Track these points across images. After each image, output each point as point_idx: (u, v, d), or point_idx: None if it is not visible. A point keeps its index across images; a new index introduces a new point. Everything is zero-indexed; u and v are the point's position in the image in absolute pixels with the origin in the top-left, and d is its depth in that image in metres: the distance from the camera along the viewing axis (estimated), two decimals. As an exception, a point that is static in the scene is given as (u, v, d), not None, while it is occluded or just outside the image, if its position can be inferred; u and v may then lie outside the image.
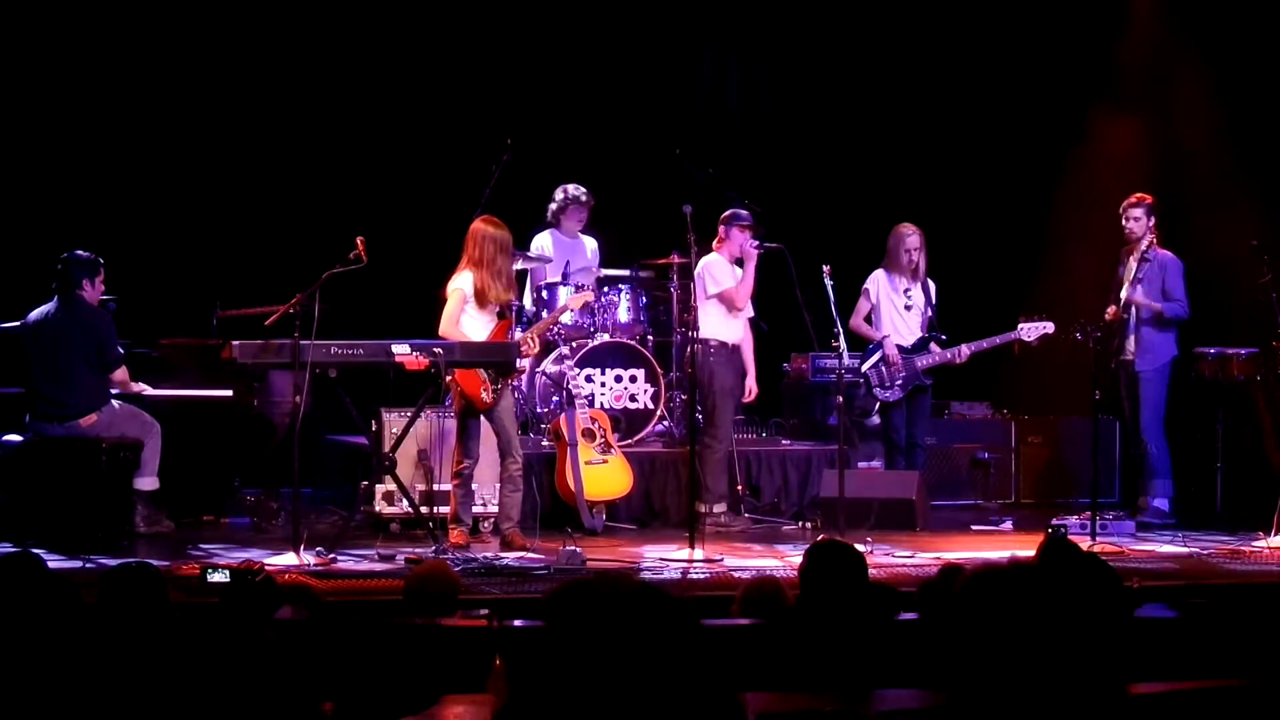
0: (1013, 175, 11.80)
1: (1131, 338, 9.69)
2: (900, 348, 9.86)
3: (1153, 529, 9.31)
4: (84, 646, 3.59)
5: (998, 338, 9.79)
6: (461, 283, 8.49)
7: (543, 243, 10.29)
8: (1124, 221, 9.71)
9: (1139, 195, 9.71)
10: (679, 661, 1.97)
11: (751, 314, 9.64)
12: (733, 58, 12.56)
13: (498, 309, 8.60)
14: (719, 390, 9.39)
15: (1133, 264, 9.62)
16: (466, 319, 8.48)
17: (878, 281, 9.96)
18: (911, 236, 9.88)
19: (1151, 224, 9.63)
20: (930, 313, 9.95)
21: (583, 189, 10.31)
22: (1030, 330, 9.66)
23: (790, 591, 4.94)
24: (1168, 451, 9.73)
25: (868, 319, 9.96)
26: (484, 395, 8.42)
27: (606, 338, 10.05)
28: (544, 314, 9.79)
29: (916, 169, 11.85)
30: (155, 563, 6.57)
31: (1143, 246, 9.61)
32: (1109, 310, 9.65)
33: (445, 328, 8.45)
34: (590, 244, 10.51)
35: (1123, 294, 9.65)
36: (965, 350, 9.84)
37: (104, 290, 8.87)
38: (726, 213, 9.53)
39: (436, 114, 11.46)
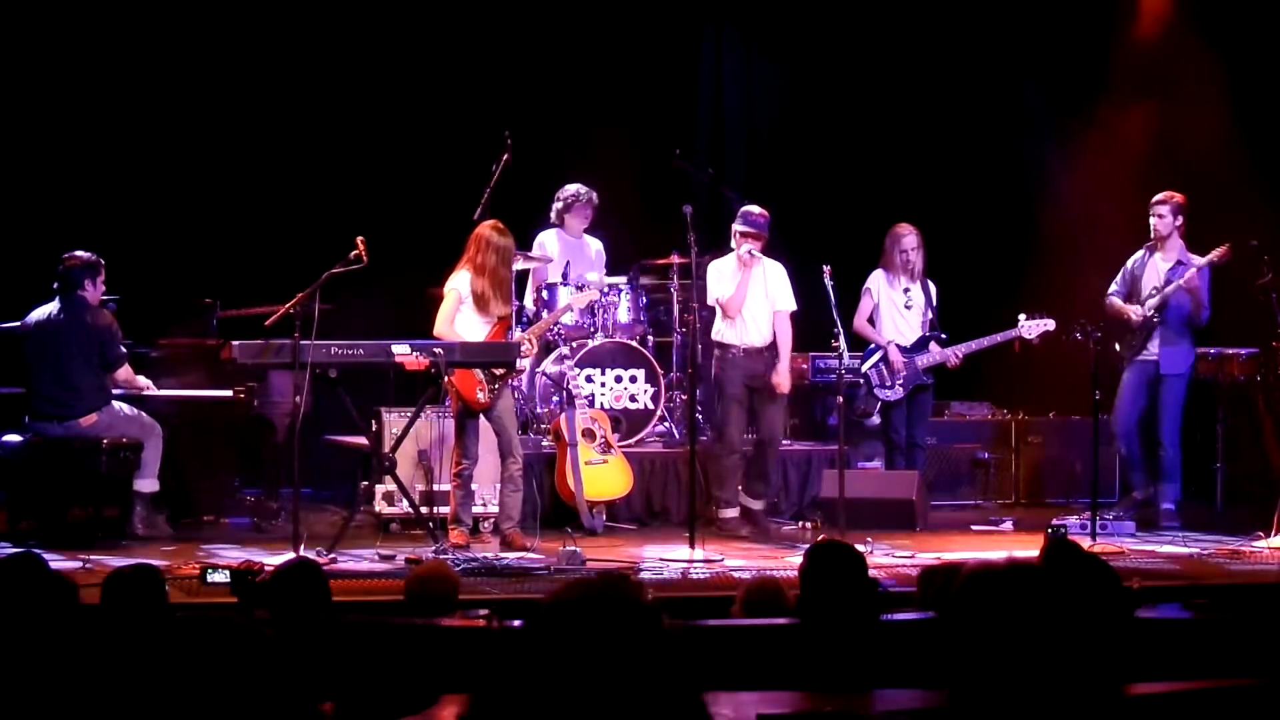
0: (1012, 172, 11.79)
1: (1156, 339, 9.44)
2: (900, 348, 9.85)
3: (1161, 530, 9.24)
4: (84, 646, 3.59)
5: (998, 335, 9.76)
6: (458, 283, 8.49)
7: (547, 241, 10.28)
8: (1151, 218, 9.46)
9: (1168, 193, 9.47)
10: (641, 664, 1.98)
11: (792, 307, 9.24)
12: (731, 57, 12.55)
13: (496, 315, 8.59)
14: (719, 395, 9.28)
15: (1161, 263, 9.47)
16: (462, 319, 8.48)
17: (878, 281, 9.95)
18: (907, 237, 9.86)
19: (1179, 224, 9.43)
20: (931, 313, 9.93)
21: (587, 188, 10.30)
22: (1032, 328, 9.62)
23: (790, 592, 4.94)
24: (1180, 455, 9.65)
25: (870, 319, 9.94)
26: (480, 396, 8.41)
27: (605, 338, 10.05)
28: (544, 314, 9.78)
29: (916, 167, 11.84)
30: (155, 563, 6.59)
31: (1174, 250, 9.43)
32: (1133, 309, 9.39)
33: (440, 327, 8.45)
34: (595, 244, 10.49)
35: (1152, 293, 9.39)
36: (960, 351, 9.81)
37: (104, 290, 8.88)
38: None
39: (436, 114, 11.46)
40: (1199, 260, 9.34)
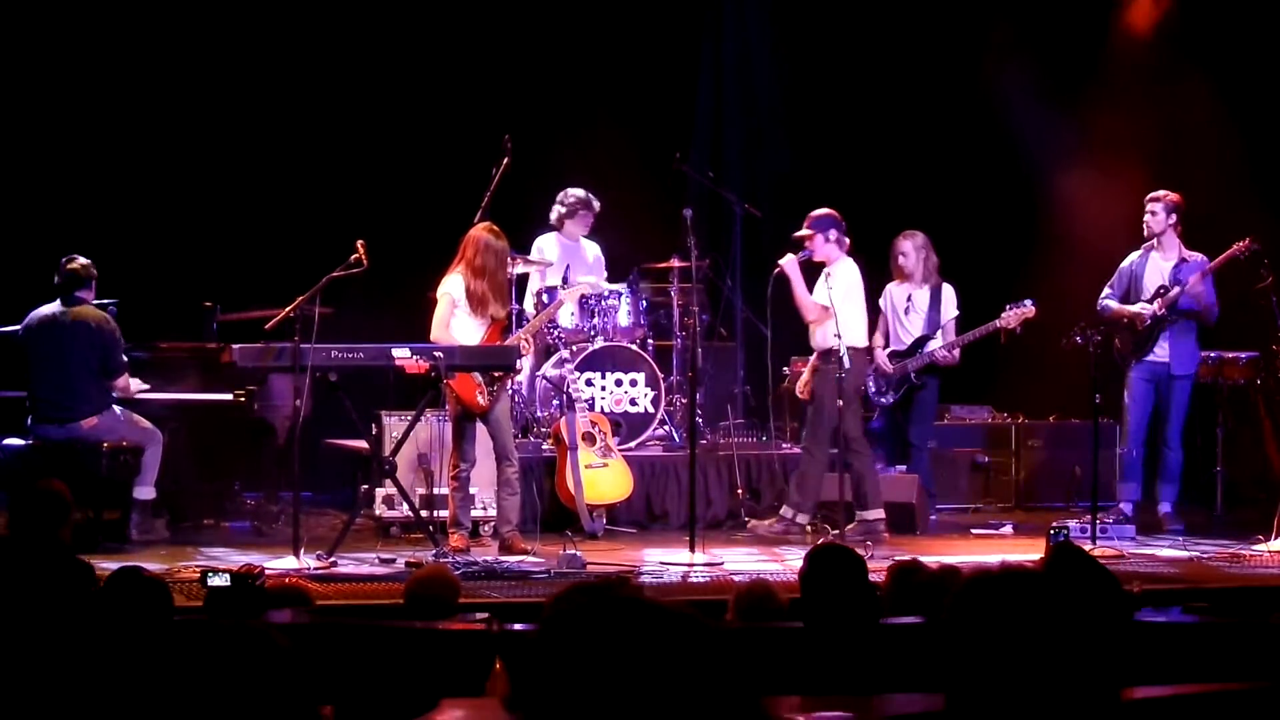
0: (1013, 170, 11.79)
1: (1165, 339, 9.37)
2: (896, 353, 9.84)
3: (1164, 533, 9.21)
4: (85, 649, 3.59)
5: (980, 329, 9.70)
6: (451, 286, 8.45)
7: (545, 245, 10.27)
8: (1145, 215, 9.43)
9: (1163, 191, 9.45)
10: (692, 670, 1.96)
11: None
12: (732, 60, 12.54)
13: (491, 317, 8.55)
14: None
15: (1162, 262, 9.44)
16: (457, 322, 8.44)
17: (887, 293, 9.96)
18: (901, 242, 9.90)
19: (1173, 222, 9.39)
20: (937, 315, 9.85)
21: (590, 195, 10.29)
22: (1011, 317, 9.51)
23: (783, 595, 4.94)
24: (1182, 456, 9.60)
25: (886, 332, 9.95)
26: (479, 399, 8.39)
27: (606, 342, 10.04)
28: (543, 317, 9.77)
29: (919, 171, 11.82)
30: (155, 567, 6.59)
31: (1173, 248, 9.41)
32: (1142, 308, 9.30)
33: (435, 332, 8.41)
34: (593, 249, 10.47)
35: (1160, 291, 9.30)
36: (945, 347, 9.75)
37: (94, 294, 8.88)
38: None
39: (436, 117, 11.46)
40: (1195, 255, 9.32)
